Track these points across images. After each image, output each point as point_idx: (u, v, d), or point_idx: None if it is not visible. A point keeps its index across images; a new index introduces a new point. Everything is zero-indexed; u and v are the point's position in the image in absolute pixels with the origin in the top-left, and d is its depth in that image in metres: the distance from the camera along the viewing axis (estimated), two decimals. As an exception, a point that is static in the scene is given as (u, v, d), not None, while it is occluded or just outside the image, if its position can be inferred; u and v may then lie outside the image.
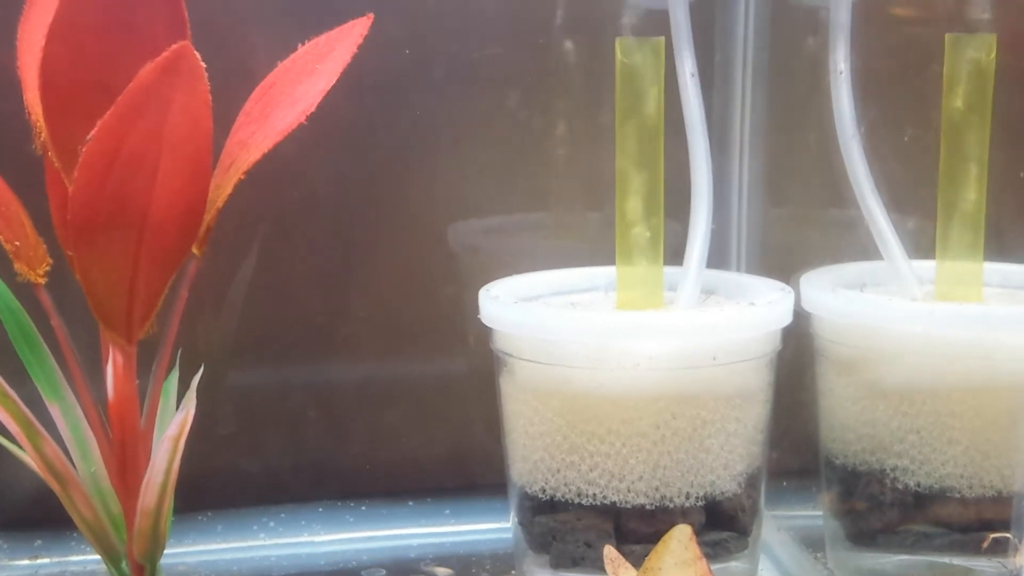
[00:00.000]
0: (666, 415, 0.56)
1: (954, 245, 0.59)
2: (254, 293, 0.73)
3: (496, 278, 0.63)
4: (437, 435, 0.76)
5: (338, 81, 0.57)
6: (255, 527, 0.72)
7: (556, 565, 0.58)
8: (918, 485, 0.58)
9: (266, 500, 0.74)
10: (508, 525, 0.62)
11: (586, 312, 0.60)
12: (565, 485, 0.58)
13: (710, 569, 0.48)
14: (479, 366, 0.65)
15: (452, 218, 0.75)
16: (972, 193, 0.59)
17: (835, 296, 0.60)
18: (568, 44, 0.73)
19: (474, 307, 0.60)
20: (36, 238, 0.55)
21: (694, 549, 0.48)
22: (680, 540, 0.48)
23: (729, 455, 0.58)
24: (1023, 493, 0.57)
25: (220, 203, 0.56)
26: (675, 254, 0.60)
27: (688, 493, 0.57)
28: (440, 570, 0.58)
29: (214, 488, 0.72)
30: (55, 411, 0.57)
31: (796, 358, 0.62)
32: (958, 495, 0.58)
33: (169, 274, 0.55)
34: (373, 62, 0.58)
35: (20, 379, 0.57)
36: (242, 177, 0.55)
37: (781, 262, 0.69)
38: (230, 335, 0.73)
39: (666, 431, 0.56)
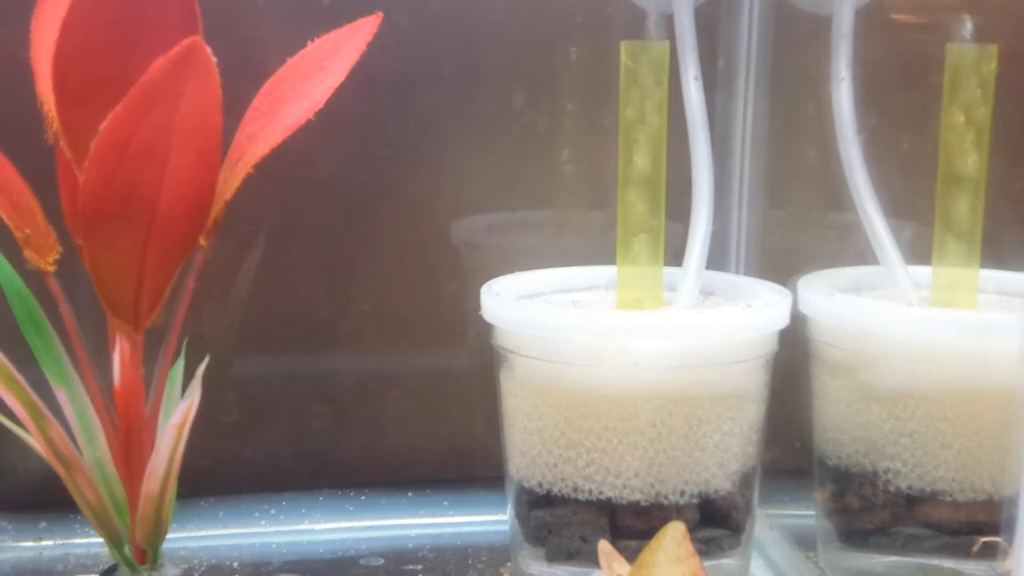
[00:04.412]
0: (662, 413, 0.56)
1: (950, 252, 0.60)
2: (260, 285, 0.73)
3: (498, 275, 0.64)
4: (437, 428, 0.77)
5: (346, 77, 0.57)
6: (256, 514, 0.73)
7: (551, 558, 0.59)
8: (910, 488, 0.59)
9: (268, 488, 0.75)
10: (505, 517, 0.63)
11: (586, 311, 0.60)
12: (562, 480, 0.58)
13: (702, 566, 0.48)
14: (479, 361, 0.66)
15: (456, 215, 0.75)
16: (969, 201, 0.59)
17: (831, 300, 0.60)
18: (573, 46, 0.74)
19: (476, 303, 0.61)
20: (46, 226, 0.56)
21: (687, 546, 0.48)
22: (673, 537, 0.48)
23: (724, 454, 0.58)
24: (1013, 498, 0.57)
25: (228, 196, 0.56)
26: (675, 255, 0.61)
27: (683, 490, 0.57)
28: None
29: (217, 475, 0.73)
30: (62, 396, 0.58)
31: (792, 360, 0.63)
32: (949, 498, 0.58)
33: (176, 265, 0.56)
34: (382, 60, 0.58)
35: (28, 364, 0.58)
36: (250, 171, 0.56)
37: (780, 265, 0.69)
38: (236, 326, 0.74)
39: (662, 429, 0.57)
